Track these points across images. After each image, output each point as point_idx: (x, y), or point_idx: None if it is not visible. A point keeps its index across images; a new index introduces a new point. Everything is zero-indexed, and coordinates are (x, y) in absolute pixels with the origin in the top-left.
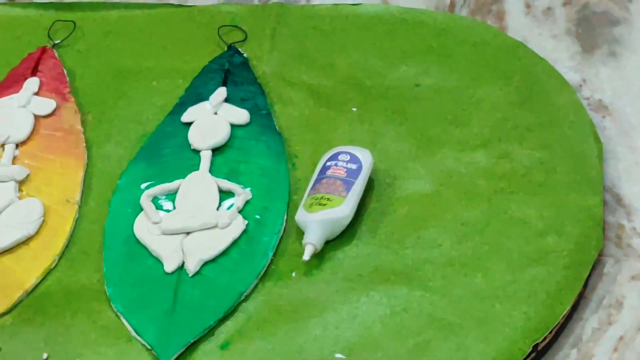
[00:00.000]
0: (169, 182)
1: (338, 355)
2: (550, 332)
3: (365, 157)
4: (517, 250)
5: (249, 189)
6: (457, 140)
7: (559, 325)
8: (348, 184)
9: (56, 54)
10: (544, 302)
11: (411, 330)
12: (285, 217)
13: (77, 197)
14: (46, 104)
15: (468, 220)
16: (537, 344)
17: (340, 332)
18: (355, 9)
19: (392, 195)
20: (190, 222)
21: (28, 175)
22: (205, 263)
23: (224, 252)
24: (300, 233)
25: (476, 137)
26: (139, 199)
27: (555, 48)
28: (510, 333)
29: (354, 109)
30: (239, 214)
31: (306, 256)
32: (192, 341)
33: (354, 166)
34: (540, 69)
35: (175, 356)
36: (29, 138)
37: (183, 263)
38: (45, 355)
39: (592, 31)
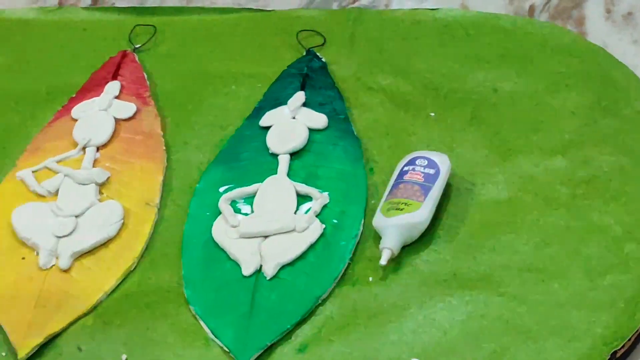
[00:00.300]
0: (247, 185)
1: None
2: (629, 340)
3: (443, 162)
4: (596, 257)
5: (326, 193)
6: (536, 146)
7: (637, 333)
8: (425, 189)
9: (137, 58)
10: (622, 310)
11: (488, 336)
12: (362, 222)
13: (157, 200)
14: (126, 108)
15: (546, 226)
16: (615, 352)
17: (417, 337)
18: (434, 14)
19: (469, 200)
20: (268, 226)
21: (108, 178)
22: (283, 267)
23: (302, 256)
24: (378, 238)
25: (555, 142)
26: (218, 202)
27: (635, 53)
28: (589, 340)
29: (432, 114)
30: (316, 218)
31: (383, 261)
32: (269, 344)
33: (431, 171)
34: (621, 74)
35: (252, 359)
36: (109, 141)
37: (261, 267)
38: (124, 357)
39: None
